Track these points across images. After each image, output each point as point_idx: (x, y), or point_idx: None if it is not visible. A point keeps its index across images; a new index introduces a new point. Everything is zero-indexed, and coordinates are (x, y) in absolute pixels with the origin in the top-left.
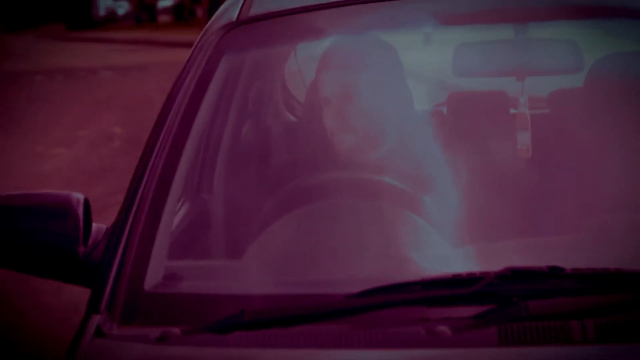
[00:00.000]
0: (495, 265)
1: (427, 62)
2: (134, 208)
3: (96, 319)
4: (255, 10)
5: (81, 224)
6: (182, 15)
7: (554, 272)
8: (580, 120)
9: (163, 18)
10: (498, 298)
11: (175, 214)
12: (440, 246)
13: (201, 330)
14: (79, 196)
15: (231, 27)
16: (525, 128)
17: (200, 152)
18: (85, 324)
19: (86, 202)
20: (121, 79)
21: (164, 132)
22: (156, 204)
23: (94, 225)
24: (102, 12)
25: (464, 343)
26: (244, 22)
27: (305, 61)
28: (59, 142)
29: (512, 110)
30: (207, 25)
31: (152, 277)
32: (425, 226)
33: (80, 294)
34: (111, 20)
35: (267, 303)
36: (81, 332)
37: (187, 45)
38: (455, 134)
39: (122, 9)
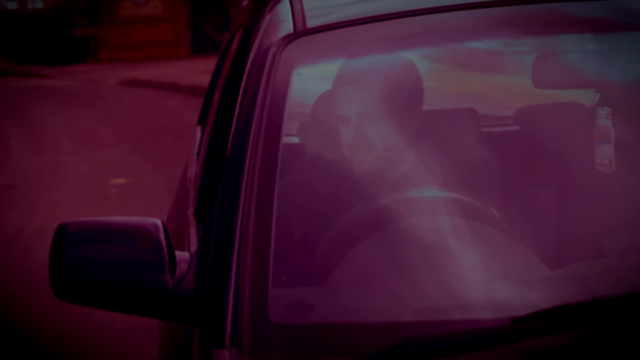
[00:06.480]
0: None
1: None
2: (237, 233)
3: (223, 355)
4: (312, 22)
5: (165, 252)
6: None
7: None
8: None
9: None
10: None
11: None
12: (541, 268)
13: None
14: (155, 221)
15: (292, 39)
16: (607, 140)
17: None
18: None
19: (164, 228)
20: None
21: (250, 147)
22: (263, 229)
23: (177, 253)
24: None
25: None
26: (304, 34)
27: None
28: None
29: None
30: (259, 38)
31: (275, 307)
32: (519, 247)
33: None
34: None
35: (421, 331)
36: None
37: None
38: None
39: None
